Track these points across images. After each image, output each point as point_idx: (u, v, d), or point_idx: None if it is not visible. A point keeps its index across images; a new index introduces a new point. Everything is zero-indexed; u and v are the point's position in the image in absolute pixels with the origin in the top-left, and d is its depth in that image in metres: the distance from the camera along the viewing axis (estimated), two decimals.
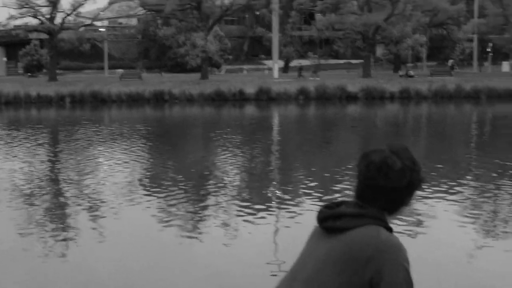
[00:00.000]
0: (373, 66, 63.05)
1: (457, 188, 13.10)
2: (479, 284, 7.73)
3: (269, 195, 13.14)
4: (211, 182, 14.44)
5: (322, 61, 69.59)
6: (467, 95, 43.79)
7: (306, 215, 10.70)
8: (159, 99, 44.17)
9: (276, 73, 58.87)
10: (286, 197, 12.60)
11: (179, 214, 11.22)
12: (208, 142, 23.55)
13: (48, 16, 57.10)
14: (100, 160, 18.65)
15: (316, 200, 12.03)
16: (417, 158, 2.55)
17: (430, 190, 12.32)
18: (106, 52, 70.47)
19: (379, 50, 77.17)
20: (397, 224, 9.01)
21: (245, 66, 77.02)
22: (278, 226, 10.45)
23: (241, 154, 19.21)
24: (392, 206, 2.51)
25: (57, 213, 11.57)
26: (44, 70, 66.44)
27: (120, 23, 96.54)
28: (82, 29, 66.40)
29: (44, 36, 61.62)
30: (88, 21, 65.84)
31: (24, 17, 58.07)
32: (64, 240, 9.72)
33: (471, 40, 68.60)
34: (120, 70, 66.85)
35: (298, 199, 12.50)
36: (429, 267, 7.93)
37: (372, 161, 2.48)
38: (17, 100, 43.70)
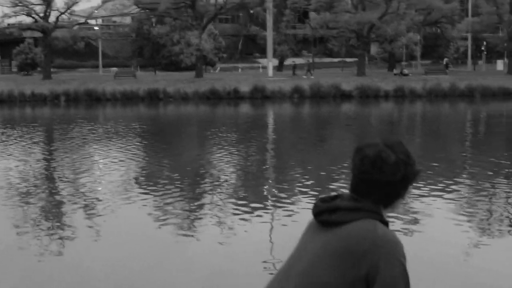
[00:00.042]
0: (367, 65, 63.05)
1: (453, 187, 13.13)
2: (475, 282, 7.76)
3: (265, 193, 13.15)
4: (206, 180, 14.45)
5: (317, 60, 69.56)
6: (461, 93, 43.91)
7: (302, 213, 10.71)
8: (153, 97, 44.13)
9: (270, 72, 58.89)
10: (282, 195, 12.62)
11: (175, 212, 11.22)
12: (203, 141, 23.56)
13: (42, 15, 56.94)
14: (96, 158, 18.64)
15: (312, 198, 12.03)
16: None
17: (426, 189, 12.30)
18: (100, 50, 70.39)
19: (374, 49, 77.22)
20: (393, 223, 9.03)
21: (239, 65, 76.96)
22: (274, 224, 10.46)
23: (236, 153, 19.22)
24: (387, 199, 2.50)
25: (53, 211, 11.57)
26: (39, 69, 66.22)
27: (114, 22, 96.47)
28: (76, 27, 66.34)
29: (38, 34, 61.46)
30: (82, 20, 65.77)
31: (18, 15, 57.90)
32: (60, 238, 9.72)
33: (465, 39, 68.75)
34: (114, 69, 66.71)
35: (294, 197, 12.53)
36: (425, 265, 7.96)
37: (366, 155, 2.47)
38: (11, 99, 43.65)
